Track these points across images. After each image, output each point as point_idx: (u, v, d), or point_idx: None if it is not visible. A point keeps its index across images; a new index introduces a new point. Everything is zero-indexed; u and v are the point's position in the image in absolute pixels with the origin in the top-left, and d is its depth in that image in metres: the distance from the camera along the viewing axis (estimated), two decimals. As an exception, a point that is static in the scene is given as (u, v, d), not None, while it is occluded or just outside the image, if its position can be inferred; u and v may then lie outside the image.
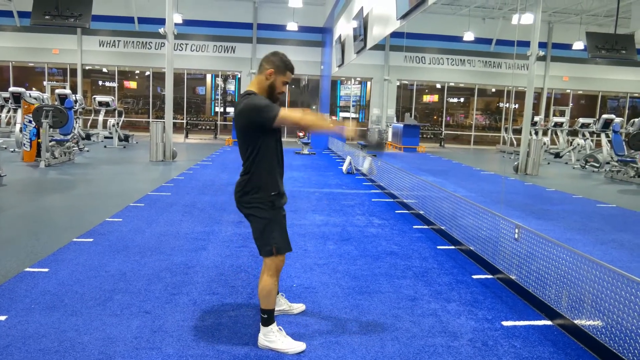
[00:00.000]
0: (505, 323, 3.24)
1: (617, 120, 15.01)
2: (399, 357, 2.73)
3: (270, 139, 2.70)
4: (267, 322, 2.76)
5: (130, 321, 3.01)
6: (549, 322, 3.27)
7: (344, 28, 15.79)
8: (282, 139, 2.86)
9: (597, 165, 13.66)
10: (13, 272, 3.76)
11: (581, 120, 16.87)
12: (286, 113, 2.60)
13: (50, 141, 10.10)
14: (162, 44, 19.21)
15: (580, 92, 24.48)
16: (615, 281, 2.85)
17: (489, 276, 4.19)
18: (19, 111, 12.87)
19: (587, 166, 13.99)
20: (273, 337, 2.74)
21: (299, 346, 2.75)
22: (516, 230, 3.91)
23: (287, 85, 2.84)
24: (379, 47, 18.79)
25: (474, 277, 4.16)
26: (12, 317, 2.99)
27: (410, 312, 3.35)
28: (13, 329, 2.85)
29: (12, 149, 11.79)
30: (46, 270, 3.83)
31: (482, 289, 3.88)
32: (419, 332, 3.06)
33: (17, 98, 14.12)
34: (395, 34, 17.45)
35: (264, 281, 2.72)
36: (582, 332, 3.00)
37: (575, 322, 3.07)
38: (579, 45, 18.84)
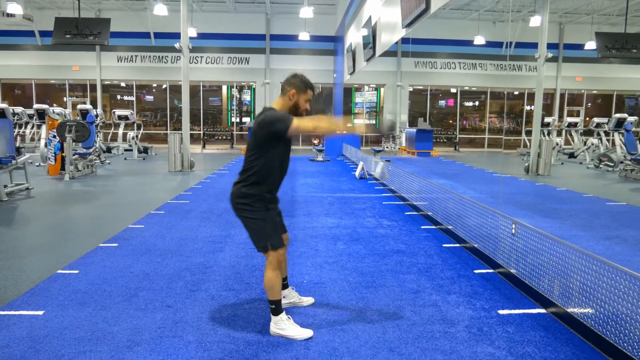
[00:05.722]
0: (501, 312, 3.46)
1: (630, 119, 14.98)
2: (398, 342, 2.97)
3: (280, 145, 2.99)
4: (276, 312, 3.04)
5: (154, 314, 3.31)
6: (543, 310, 3.48)
7: (354, 36, 16.09)
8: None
9: (612, 164, 13.66)
10: (46, 274, 4.10)
11: (596, 120, 16.84)
12: (300, 122, 2.89)
13: (73, 155, 10.55)
14: (178, 58, 19.74)
15: (595, 92, 24.36)
16: (601, 270, 3.05)
17: (490, 270, 4.40)
18: (43, 127, 13.39)
19: (601, 165, 13.99)
20: (283, 325, 3.01)
21: (307, 333, 3.02)
22: (513, 226, 4.12)
23: (309, 102, 3.13)
24: (390, 53, 19.06)
25: (476, 271, 4.38)
26: (49, 312, 3.32)
27: (412, 303, 3.59)
28: (50, 321, 3.17)
29: (38, 164, 12.31)
30: (76, 272, 4.17)
31: (482, 282, 4.10)
32: (419, 320, 3.29)
33: (41, 114, 14.67)
34: (406, 40, 17.68)
35: (267, 275, 3.01)
36: (572, 318, 3.20)
37: (567, 309, 3.28)
38: (591, 45, 18.76)
